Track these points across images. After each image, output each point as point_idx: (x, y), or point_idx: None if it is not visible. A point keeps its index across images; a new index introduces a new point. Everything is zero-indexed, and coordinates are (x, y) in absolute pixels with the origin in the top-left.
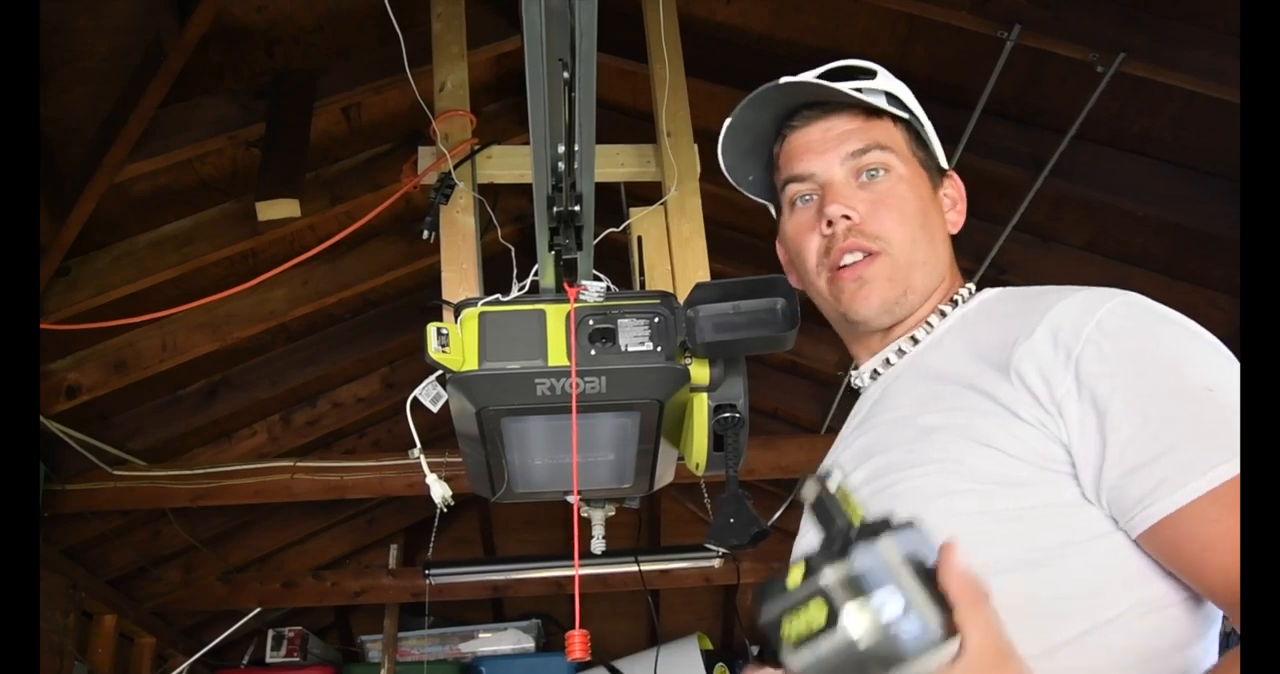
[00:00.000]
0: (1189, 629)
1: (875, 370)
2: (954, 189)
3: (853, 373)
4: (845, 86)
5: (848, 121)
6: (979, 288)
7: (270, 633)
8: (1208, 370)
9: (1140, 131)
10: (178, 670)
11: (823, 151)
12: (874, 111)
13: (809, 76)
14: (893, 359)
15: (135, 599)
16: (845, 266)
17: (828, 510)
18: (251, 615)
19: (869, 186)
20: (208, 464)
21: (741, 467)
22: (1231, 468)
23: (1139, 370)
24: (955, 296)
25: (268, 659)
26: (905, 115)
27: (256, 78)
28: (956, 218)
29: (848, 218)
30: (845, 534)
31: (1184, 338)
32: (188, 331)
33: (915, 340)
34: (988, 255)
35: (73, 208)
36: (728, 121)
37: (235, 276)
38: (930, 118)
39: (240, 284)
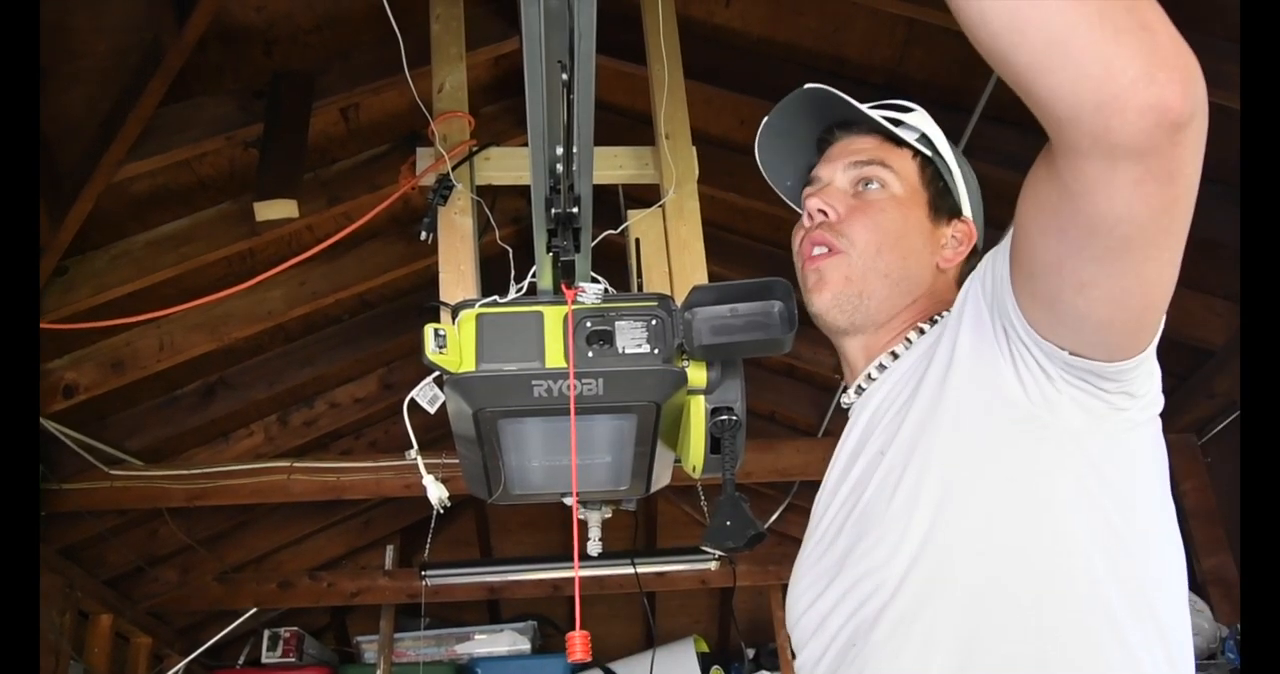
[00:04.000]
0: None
1: (860, 386)
2: (962, 233)
3: (841, 397)
4: (877, 114)
5: (868, 142)
6: None
7: (266, 633)
8: None
9: None
10: (173, 670)
11: (836, 157)
12: (897, 140)
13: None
14: (875, 374)
15: (132, 599)
16: (812, 257)
17: None
18: (248, 616)
19: (861, 195)
20: (205, 464)
21: (739, 469)
22: None
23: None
24: (936, 317)
25: (264, 659)
26: (928, 152)
27: (255, 78)
28: (951, 255)
29: (824, 213)
30: None
31: None
32: (185, 332)
33: (895, 355)
34: None
35: (71, 207)
36: (764, 120)
37: (233, 277)
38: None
39: (238, 284)
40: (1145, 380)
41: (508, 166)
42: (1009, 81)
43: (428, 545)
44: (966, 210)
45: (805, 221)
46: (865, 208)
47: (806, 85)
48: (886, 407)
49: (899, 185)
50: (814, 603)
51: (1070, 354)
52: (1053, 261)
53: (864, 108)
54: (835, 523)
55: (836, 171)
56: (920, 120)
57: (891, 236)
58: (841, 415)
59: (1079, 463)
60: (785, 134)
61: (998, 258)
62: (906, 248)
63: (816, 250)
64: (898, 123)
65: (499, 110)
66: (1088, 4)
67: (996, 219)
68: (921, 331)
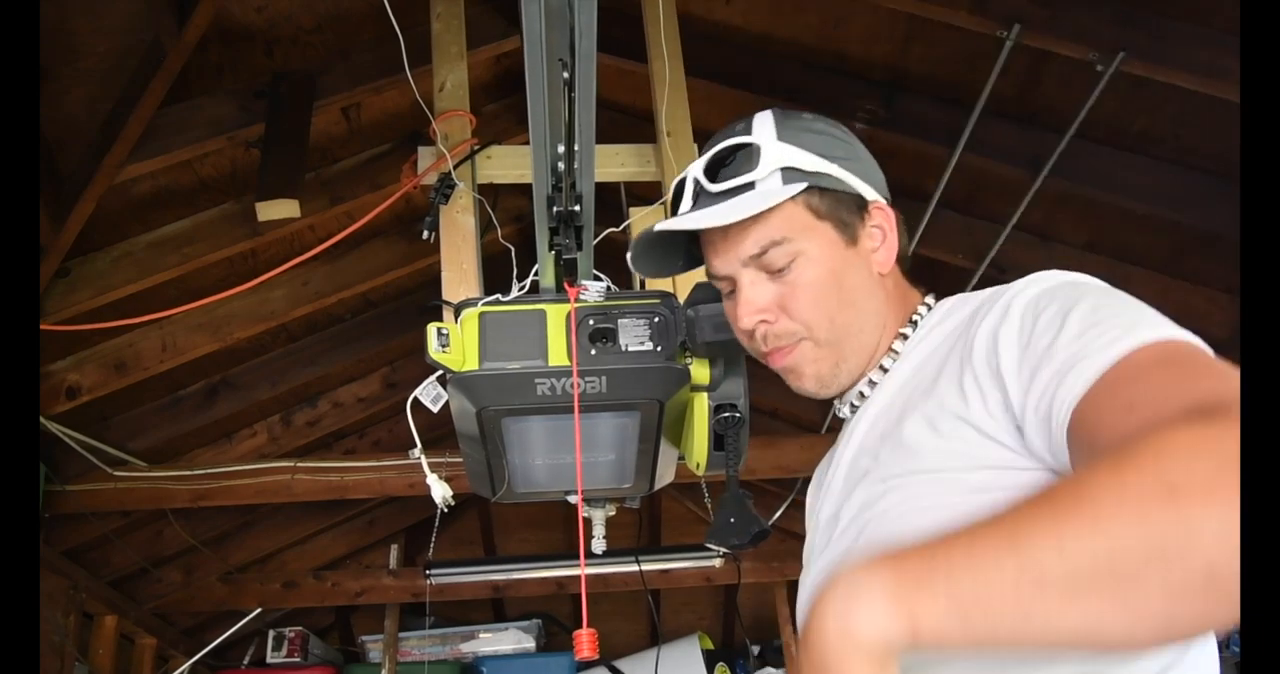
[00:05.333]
0: None
1: (853, 404)
2: (883, 220)
3: (836, 403)
4: (732, 185)
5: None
6: (980, 287)
7: (271, 633)
8: (1099, 303)
9: (1140, 131)
10: (179, 671)
11: (725, 253)
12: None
13: (698, 169)
14: (866, 391)
15: (136, 600)
16: (776, 354)
17: None
18: (252, 616)
19: (779, 277)
20: (208, 465)
21: (742, 466)
22: (1119, 348)
23: (1038, 319)
24: (914, 318)
25: (268, 659)
26: (802, 186)
27: (256, 78)
28: (885, 255)
29: (765, 322)
30: None
31: (1088, 290)
32: (188, 332)
33: (884, 369)
34: (988, 254)
35: (72, 208)
36: (633, 264)
37: (235, 277)
38: (930, 117)
39: (240, 284)
40: None
41: (509, 165)
42: None
43: (432, 544)
44: (870, 193)
45: (743, 339)
46: (793, 291)
47: (658, 226)
48: (885, 429)
49: (805, 245)
50: None
51: None
52: None
53: (718, 215)
54: (839, 546)
55: (735, 267)
56: (772, 158)
57: (834, 296)
58: None
59: None
60: (652, 246)
61: (1031, 413)
62: (852, 292)
63: (779, 353)
64: (751, 186)
65: (500, 109)
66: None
67: (997, 213)
68: (905, 337)
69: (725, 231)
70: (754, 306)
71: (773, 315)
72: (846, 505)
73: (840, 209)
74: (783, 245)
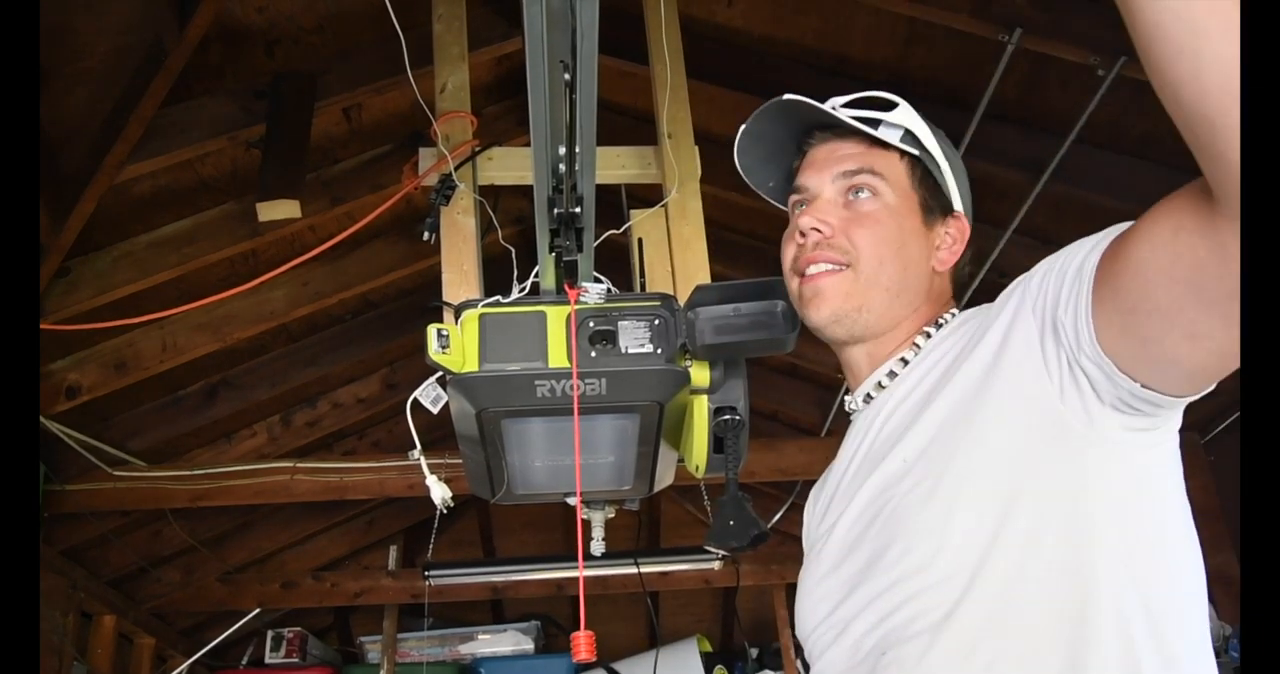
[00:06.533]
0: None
1: (868, 395)
2: (956, 230)
3: (846, 398)
4: (860, 114)
5: (853, 146)
6: (979, 293)
7: (269, 634)
8: None
9: (1141, 135)
10: (177, 671)
11: (820, 169)
12: (882, 143)
13: (837, 102)
14: (885, 382)
15: (135, 600)
16: (810, 275)
17: None
18: (251, 616)
19: (852, 205)
20: (208, 465)
21: (741, 469)
22: None
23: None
24: (940, 321)
25: (267, 660)
26: (915, 152)
27: (257, 78)
28: (947, 256)
29: (818, 230)
30: None
31: None
32: (188, 332)
33: (905, 361)
34: (988, 258)
35: (73, 208)
36: (742, 127)
37: (235, 277)
38: (931, 120)
39: (240, 285)
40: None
41: (510, 166)
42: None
43: (431, 545)
44: (958, 204)
45: (797, 238)
46: (862, 219)
47: (784, 97)
48: (906, 416)
49: (891, 193)
50: (834, 612)
51: (1142, 386)
52: (1172, 309)
53: (845, 116)
54: (854, 532)
55: (825, 182)
56: (903, 116)
57: (892, 248)
58: (845, 415)
59: (1123, 485)
60: (764, 137)
61: (1064, 282)
62: (906, 258)
63: (816, 268)
64: (878, 123)
65: (501, 110)
66: None
67: (998, 217)
68: (928, 336)
69: (833, 148)
70: (822, 214)
71: (831, 230)
72: (862, 489)
73: (931, 197)
74: (875, 177)
